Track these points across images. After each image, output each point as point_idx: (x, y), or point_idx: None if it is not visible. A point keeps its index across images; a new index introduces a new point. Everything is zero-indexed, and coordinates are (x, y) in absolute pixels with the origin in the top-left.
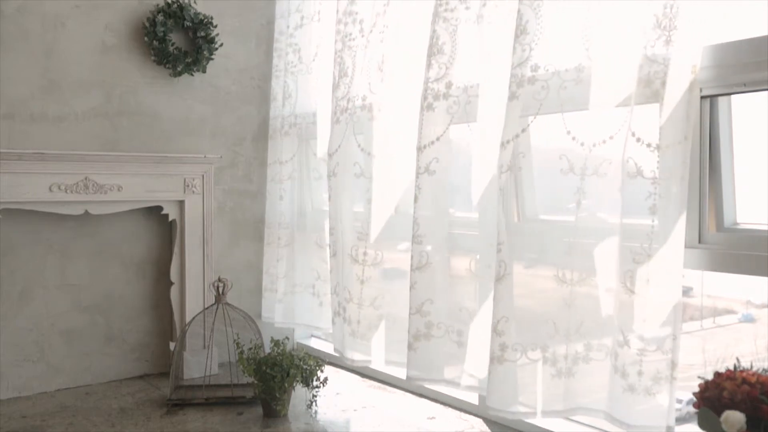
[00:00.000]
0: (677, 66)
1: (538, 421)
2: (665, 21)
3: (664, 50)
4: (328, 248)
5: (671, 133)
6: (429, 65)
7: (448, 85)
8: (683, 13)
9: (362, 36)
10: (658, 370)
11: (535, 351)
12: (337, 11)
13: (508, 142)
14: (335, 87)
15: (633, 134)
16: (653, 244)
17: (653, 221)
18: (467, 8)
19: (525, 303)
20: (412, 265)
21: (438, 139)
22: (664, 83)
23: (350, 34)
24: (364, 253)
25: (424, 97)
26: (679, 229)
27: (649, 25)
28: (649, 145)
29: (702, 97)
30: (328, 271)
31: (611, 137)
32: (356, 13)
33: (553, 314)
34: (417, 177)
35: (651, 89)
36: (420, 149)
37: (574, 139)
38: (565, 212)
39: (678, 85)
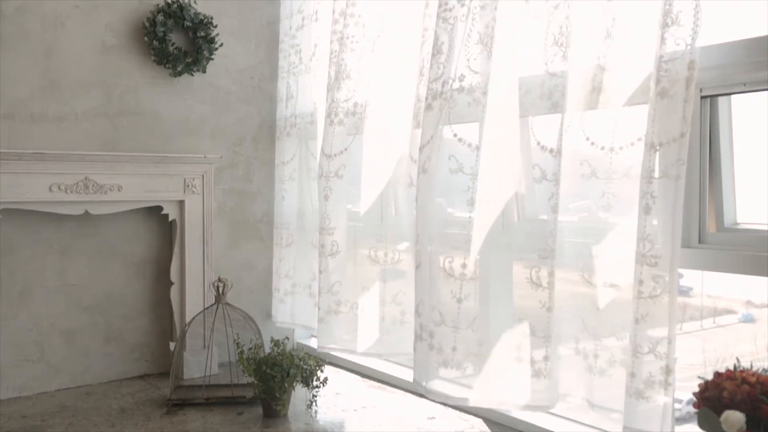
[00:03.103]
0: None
1: (538, 420)
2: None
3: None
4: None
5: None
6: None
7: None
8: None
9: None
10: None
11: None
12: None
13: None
14: (337, 88)
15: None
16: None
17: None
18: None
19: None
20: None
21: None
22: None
23: (353, 36)
24: (385, 254)
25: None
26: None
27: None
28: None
29: (702, 97)
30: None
31: (639, 139)
32: (359, 16)
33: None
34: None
35: (676, 87)
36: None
37: (593, 144)
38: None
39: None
